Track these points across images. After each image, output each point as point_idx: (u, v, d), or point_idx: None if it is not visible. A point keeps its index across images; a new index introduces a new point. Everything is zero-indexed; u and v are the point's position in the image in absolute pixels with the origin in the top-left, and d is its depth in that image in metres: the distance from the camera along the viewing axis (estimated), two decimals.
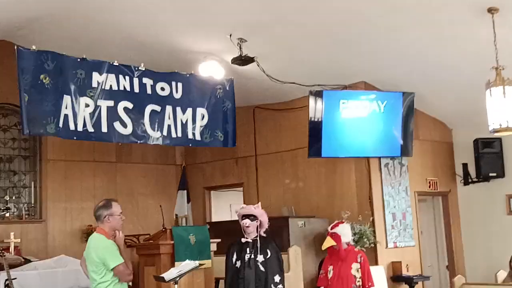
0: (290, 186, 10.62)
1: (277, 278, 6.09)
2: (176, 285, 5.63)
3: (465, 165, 10.58)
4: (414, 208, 10.19)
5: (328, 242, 6.64)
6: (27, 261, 9.09)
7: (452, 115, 10.61)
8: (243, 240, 6.21)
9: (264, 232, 6.27)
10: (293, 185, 10.60)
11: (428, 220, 10.97)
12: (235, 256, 6.20)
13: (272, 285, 6.04)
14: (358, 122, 9.36)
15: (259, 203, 6.50)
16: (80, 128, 7.25)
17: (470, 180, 10.54)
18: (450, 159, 10.91)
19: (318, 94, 9.17)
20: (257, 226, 6.19)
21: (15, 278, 7.42)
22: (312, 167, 10.26)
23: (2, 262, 7.54)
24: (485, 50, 6.82)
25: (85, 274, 5.47)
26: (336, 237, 6.59)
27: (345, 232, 6.69)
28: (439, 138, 10.85)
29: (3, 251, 7.64)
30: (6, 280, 7.28)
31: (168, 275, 5.66)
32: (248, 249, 6.15)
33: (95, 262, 5.09)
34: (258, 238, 6.15)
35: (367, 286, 6.52)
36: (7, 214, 9.84)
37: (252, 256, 6.11)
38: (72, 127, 7.21)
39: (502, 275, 8.91)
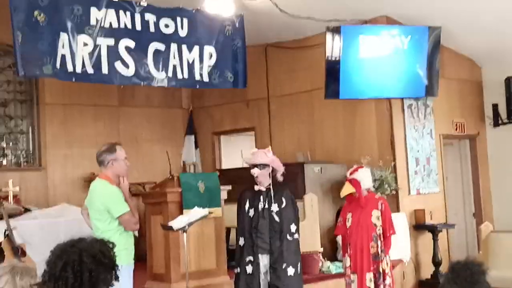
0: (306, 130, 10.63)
1: (293, 228, 6.14)
2: (184, 234, 5.71)
3: (495, 106, 10.52)
4: (439, 152, 10.20)
5: (347, 189, 6.66)
6: (27, 210, 9.22)
7: (481, 52, 10.48)
8: (256, 188, 6.22)
9: (281, 176, 6.26)
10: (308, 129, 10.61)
11: (454, 165, 10.98)
12: (247, 204, 6.23)
13: (287, 235, 6.10)
14: (379, 60, 9.27)
15: (269, 147, 6.49)
16: (78, 69, 7.23)
17: (500, 122, 10.50)
18: (478, 99, 10.84)
19: (336, 30, 9.05)
20: (269, 173, 6.20)
21: (15, 228, 7.52)
22: (329, 110, 10.23)
23: (1, 212, 7.65)
24: None
25: (87, 224, 5.47)
26: (355, 183, 6.60)
27: (365, 178, 6.70)
28: (467, 77, 10.75)
29: (1, 200, 7.75)
30: (6, 230, 7.40)
31: (177, 223, 5.73)
32: (261, 198, 6.17)
33: (99, 210, 5.12)
34: (271, 186, 6.17)
35: (388, 235, 6.58)
36: (4, 162, 9.94)
37: (266, 206, 6.14)
38: (70, 68, 7.20)
39: None
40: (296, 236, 6.15)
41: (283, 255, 6.03)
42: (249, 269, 6.10)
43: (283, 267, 6.01)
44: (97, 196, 5.15)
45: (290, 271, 6.02)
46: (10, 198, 9.25)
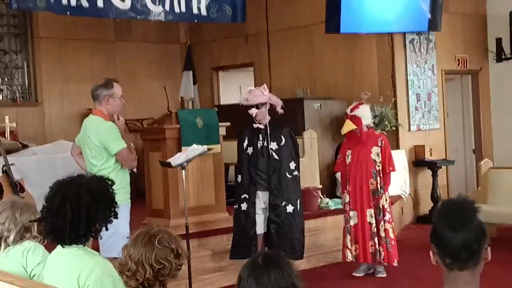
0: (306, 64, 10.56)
1: (292, 165, 6.19)
2: (183, 171, 5.73)
3: (498, 40, 10.41)
4: (440, 88, 10.17)
5: (348, 126, 6.64)
6: (25, 146, 9.25)
7: None
8: (255, 125, 6.22)
9: (279, 115, 6.26)
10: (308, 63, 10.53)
11: (456, 101, 10.96)
12: (246, 142, 6.25)
13: (286, 173, 6.14)
14: None
15: (264, 85, 6.44)
16: (73, 2, 7.12)
17: (503, 57, 10.42)
18: (482, 33, 10.72)
19: None
20: (267, 110, 6.19)
21: (13, 164, 7.56)
22: (330, 44, 10.13)
23: None
24: None
25: (77, 164, 5.34)
26: (356, 120, 6.59)
27: (366, 114, 6.69)
28: (471, 11, 10.60)
29: None
30: (4, 166, 7.43)
31: (175, 160, 5.74)
32: (260, 136, 6.18)
33: (95, 147, 5.01)
34: (268, 124, 6.15)
35: (387, 171, 6.62)
36: (0, 97, 9.90)
37: (265, 144, 6.16)
38: (64, 1, 7.08)
39: None
40: (295, 173, 6.20)
41: (282, 192, 6.09)
42: (244, 206, 6.18)
43: (283, 204, 6.07)
44: (93, 132, 5.03)
45: (289, 208, 6.10)
46: (7, 134, 9.25)
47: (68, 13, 7.29)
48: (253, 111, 6.11)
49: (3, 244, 3.53)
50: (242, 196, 6.20)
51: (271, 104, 6.23)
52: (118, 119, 5.17)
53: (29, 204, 3.78)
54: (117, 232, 4.46)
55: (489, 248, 2.37)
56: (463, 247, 2.32)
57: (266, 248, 6.10)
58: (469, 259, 2.35)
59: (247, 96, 6.23)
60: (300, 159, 6.62)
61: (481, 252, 2.35)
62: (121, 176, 5.06)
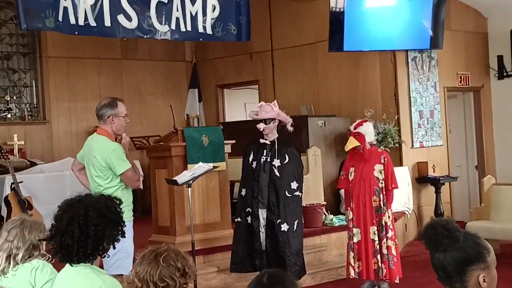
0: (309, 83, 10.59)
1: (294, 185, 6.12)
2: (189, 189, 5.75)
3: (500, 57, 10.43)
4: (443, 105, 10.18)
5: (352, 143, 6.64)
6: (33, 164, 9.29)
7: (487, 2, 10.34)
8: (261, 140, 6.23)
9: (287, 133, 6.27)
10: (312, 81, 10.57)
11: (458, 118, 10.96)
12: (251, 156, 6.26)
13: (286, 192, 6.09)
14: (383, 12, 9.16)
15: (275, 101, 6.47)
16: (81, 22, 7.18)
17: (505, 74, 10.43)
18: (484, 51, 10.74)
19: None
20: (276, 126, 6.21)
21: (21, 182, 7.60)
22: (333, 62, 10.17)
23: (6, 165, 7.71)
24: None
25: (78, 179, 5.36)
26: (360, 137, 6.60)
27: (369, 131, 6.70)
28: (472, 28, 10.64)
29: (7, 154, 7.78)
30: (12, 183, 7.47)
31: (181, 178, 5.76)
32: (265, 151, 6.19)
33: (101, 167, 5.00)
34: (275, 140, 6.17)
35: (390, 188, 6.61)
36: (9, 115, 9.96)
37: (268, 160, 6.15)
38: (72, 21, 7.14)
39: None
40: (296, 193, 6.12)
41: (279, 210, 6.04)
42: (248, 219, 6.17)
43: (277, 222, 6.01)
44: (99, 153, 5.00)
45: (284, 227, 6.00)
46: (16, 151, 9.31)
47: (76, 32, 7.35)
48: (261, 126, 6.14)
49: (12, 262, 3.54)
50: (246, 210, 6.20)
51: (280, 121, 6.25)
52: (126, 138, 5.18)
53: (37, 222, 3.78)
54: (122, 249, 4.47)
55: (483, 276, 2.36)
56: (440, 267, 2.40)
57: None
58: (449, 280, 2.39)
59: (257, 110, 6.26)
60: (305, 176, 6.60)
61: (463, 277, 2.37)
62: (125, 194, 5.04)
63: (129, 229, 5.07)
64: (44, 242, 3.59)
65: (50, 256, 3.58)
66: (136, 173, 5.15)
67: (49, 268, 3.55)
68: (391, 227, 6.60)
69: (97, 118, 5.20)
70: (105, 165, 4.99)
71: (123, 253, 4.48)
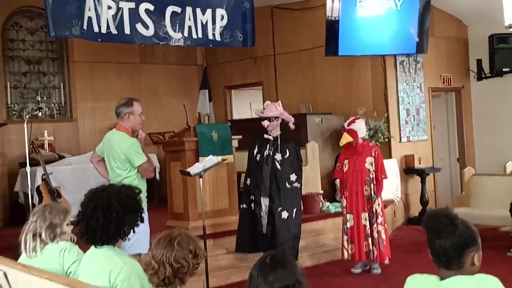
0: (308, 84, 10.58)
1: (293, 177, 6.14)
2: (201, 179, 5.76)
3: (479, 61, 10.40)
4: (427, 104, 10.16)
5: (346, 138, 6.65)
6: (61, 157, 9.32)
7: (468, 11, 10.30)
8: (265, 136, 6.25)
9: (289, 131, 6.28)
10: (310, 83, 10.55)
11: (441, 115, 10.94)
12: (256, 150, 6.28)
13: (286, 183, 6.11)
14: (374, 20, 9.14)
15: (279, 101, 6.48)
16: (103, 30, 7.19)
17: (483, 76, 10.40)
18: (464, 55, 10.71)
19: None
20: (279, 124, 6.22)
21: (51, 173, 7.62)
22: (329, 66, 10.16)
23: (38, 158, 7.73)
24: None
25: (97, 170, 5.40)
26: (353, 133, 6.60)
27: (361, 127, 6.69)
28: (454, 35, 10.60)
29: (38, 148, 7.80)
30: (43, 174, 7.50)
31: (193, 169, 5.77)
32: (268, 146, 6.20)
33: (121, 159, 5.03)
34: (278, 136, 6.19)
35: (380, 179, 6.61)
36: (40, 114, 9.99)
37: (271, 154, 6.17)
38: (96, 29, 7.16)
39: (511, 166, 8.99)
40: (295, 184, 6.14)
41: (280, 199, 6.07)
42: (252, 206, 6.19)
43: (278, 210, 6.04)
44: (118, 147, 5.04)
45: (284, 214, 6.03)
46: (46, 146, 9.34)
47: (99, 39, 7.35)
48: (265, 123, 6.16)
49: (38, 240, 3.54)
50: (250, 198, 6.22)
51: (283, 119, 6.26)
52: (142, 134, 5.20)
53: (58, 205, 3.83)
54: (140, 230, 4.48)
55: (476, 256, 2.41)
56: (442, 253, 2.43)
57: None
58: (449, 263, 2.41)
59: (263, 109, 6.28)
60: (303, 167, 6.61)
61: (462, 259, 2.41)
62: (141, 183, 5.06)
63: (146, 215, 5.10)
64: (65, 223, 3.62)
65: (75, 237, 3.61)
66: (151, 165, 5.18)
67: (75, 249, 3.56)
68: (381, 213, 6.60)
69: (116, 116, 5.23)
70: (124, 158, 5.01)
71: (140, 233, 4.50)
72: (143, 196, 5.09)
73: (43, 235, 3.54)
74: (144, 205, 5.07)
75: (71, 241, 3.64)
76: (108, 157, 5.16)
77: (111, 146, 5.13)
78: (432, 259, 2.49)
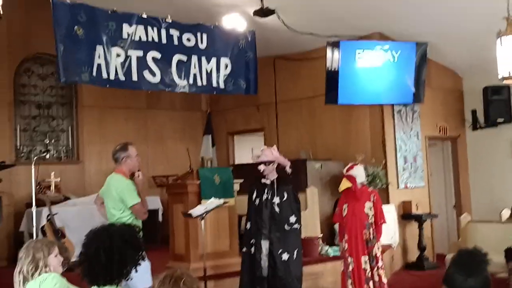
0: (308, 131, 10.61)
1: (292, 219, 6.09)
2: (202, 221, 5.72)
3: (474, 112, 10.47)
4: (424, 152, 10.17)
5: (345, 184, 6.64)
6: (67, 198, 9.29)
7: (463, 64, 10.43)
8: (262, 181, 6.24)
9: (285, 175, 6.26)
10: (311, 130, 10.59)
11: (438, 163, 10.94)
12: (255, 194, 6.25)
13: (286, 225, 6.06)
14: (373, 71, 9.25)
15: (274, 146, 6.49)
16: (112, 76, 7.25)
17: (478, 126, 10.45)
18: (460, 105, 10.79)
19: (335, 45, 9.04)
20: (275, 168, 6.20)
21: (56, 213, 7.59)
22: (329, 114, 10.22)
23: (44, 199, 7.71)
24: (497, 2, 6.62)
25: (98, 212, 5.46)
26: (351, 179, 6.60)
27: (360, 173, 6.69)
28: (450, 86, 10.70)
29: (44, 189, 7.79)
30: (48, 215, 7.46)
31: (195, 211, 5.74)
32: (266, 190, 6.18)
33: (115, 200, 5.09)
34: (275, 180, 6.17)
35: (379, 223, 6.56)
36: (47, 156, 10.01)
37: (269, 198, 6.14)
38: (104, 75, 7.22)
39: (506, 213, 8.94)
40: (295, 226, 6.08)
41: (280, 242, 6.00)
42: (252, 250, 6.12)
43: (279, 252, 5.96)
44: (114, 188, 5.12)
45: (285, 256, 5.95)
46: (52, 187, 9.32)
47: (107, 85, 7.41)
48: (261, 167, 6.14)
49: (22, 277, 3.45)
50: (251, 242, 6.16)
51: (279, 164, 6.25)
52: (139, 176, 5.21)
53: (43, 239, 3.76)
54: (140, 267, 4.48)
55: None
56: None
57: None
58: None
59: (259, 154, 6.27)
60: (303, 211, 6.56)
61: None
62: (137, 224, 5.03)
63: None
64: (48, 254, 3.52)
65: (61, 270, 3.50)
66: (144, 206, 5.16)
67: (55, 278, 3.43)
68: (380, 258, 6.52)
69: (114, 161, 5.31)
70: (118, 198, 5.07)
71: (141, 270, 4.42)
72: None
73: (24, 270, 3.46)
74: None
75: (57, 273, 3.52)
76: (106, 199, 5.23)
77: (108, 188, 5.21)
78: None
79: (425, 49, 9.32)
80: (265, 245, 6.06)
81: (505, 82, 6.84)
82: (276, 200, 6.07)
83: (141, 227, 5.09)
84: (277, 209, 6.05)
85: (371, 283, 6.43)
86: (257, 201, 6.17)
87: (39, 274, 3.46)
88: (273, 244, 6.01)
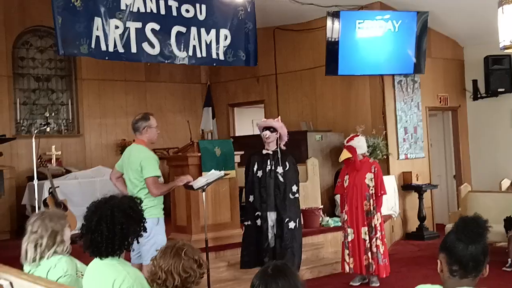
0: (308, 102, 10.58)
1: (294, 188, 6.20)
2: (203, 193, 5.73)
3: (475, 81, 10.41)
4: (425, 123, 10.15)
5: (345, 155, 6.65)
6: (68, 171, 9.30)
7: (464, 33, 10.34)
8: (264, 151, 6.25)
9: (284, 146, 6.29)
10: (310, 101, 10.55)
11: (438, 134, 10.93)
12: (256, 166, 6.26)
13: (290, 194, 6.14)
14: (373, 42, 9.18)
15: (279, 117, 6.49)
16: (111, 48, 7.20)
17: (479, 96, 10.40)
18: (460, 76, 10.73)
19: (335, 15, 8.95)
20: (277, 138, 6.21)
21: (58, 187, 7.60)
22: (329, 85, 10.17)
23: (45, 172, 7.71)
24: None
25: (115, 187, 5.31)
26: (351, 149, 6.59)
27: (360, 144, 6.68)
28: (450, 56, 10.62)
29: (46, 162, 7.79)
30: (50, 188, 7.47)
31: (196, 183, 5.73)
32: (269, 161, 6.21)
33: (137, 170, 5.00)
34: (278, 150, 6.20)
35: (379, 194, 6.58)
36: (48, 129, 9.96)
37: (273, 168, 6.17)
38: (103, 48, 7.16)
39: (506, 183, 8.96)
40: (297, 195, 6.21)
41: (286, 211, 6.09)
42: (258, 222, 6.16)
43: (286, 221, 6.06)
44: (136, 157, 5.02)
45: (291, 224, 6.08)
46: (53, 161, 9.31)
47: (106, 58, 7.36)
48: (267, 133, 6.17)
49: (39, 250, 3.37)
50: (256, 214, 6.19)
51: (280, 135, 6.26)
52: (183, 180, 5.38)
53: (58, 212, 3.65)
54: (157, 243, 4.58)
55: (487, 266, 2.34)
56: (472, 258, 2.30)
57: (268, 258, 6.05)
58: (473, 269, 2.31)
59: (262, 121, 6.35)
60: (304, 183, 6.62)
61: (484, 266, 2.32)
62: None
63: (161, 224, 5.07)
64: (65, 230, 3.43)
65: (70, 248, 3.41)
66: (159, 187, 5.05)
67: (67, 264, 3.32)
68: (379, 228, 6.55)
69: (133, 130, 5.24)
70: (139, 168, 4.98)
71: (158, 245, 4.45)
72: (160, 207, 5.06)
73: (43, 245, 3.37)
74: (161, 215, 5.06)
75: (66, 252, 3.46)
76: (127, 170, 5.13)
77: (129, 158, 5.12)
78: (446, 268, 2.36)
79: (426, 19, 9.23)
80: (271, 216, 6.12)
81: (506, 51, 6.81)
82: (280, 169, 6.14)
83: (162, 199, 5.08)
84: (281, 178, 6.13)
85: (369, 254, 6.48)
86: (259, 173, 6.20)
87: (55, 250, 3.34)
88: (280, 214, 6.08)
